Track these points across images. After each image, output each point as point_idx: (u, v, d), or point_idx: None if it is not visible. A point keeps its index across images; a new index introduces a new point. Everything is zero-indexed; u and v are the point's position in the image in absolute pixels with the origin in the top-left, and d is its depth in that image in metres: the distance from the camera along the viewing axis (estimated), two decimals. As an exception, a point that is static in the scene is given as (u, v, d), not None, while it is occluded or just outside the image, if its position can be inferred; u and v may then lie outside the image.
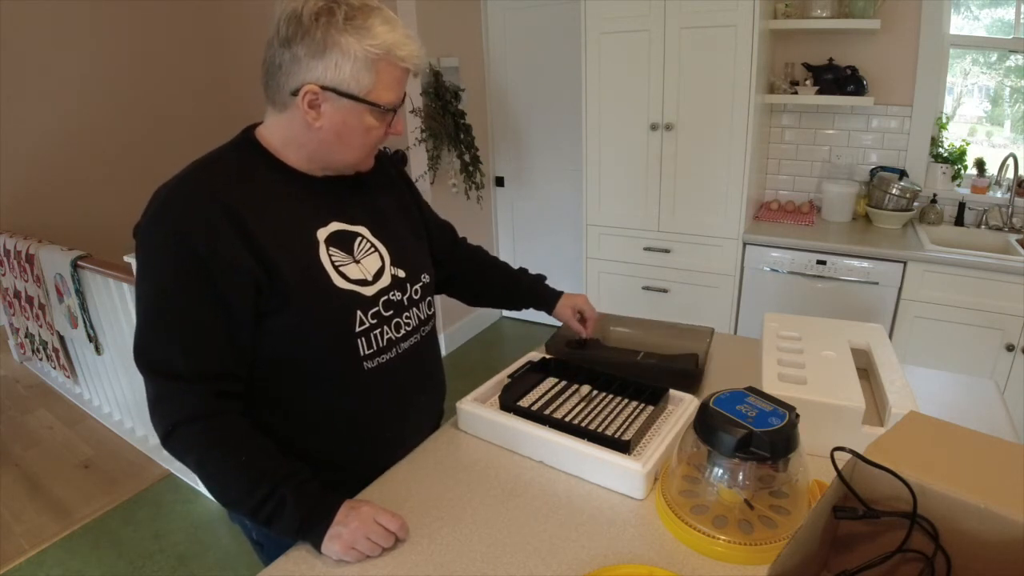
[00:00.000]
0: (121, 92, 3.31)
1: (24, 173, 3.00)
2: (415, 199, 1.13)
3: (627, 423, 1.04)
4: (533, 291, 1.31)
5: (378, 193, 1.02)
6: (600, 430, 0.99)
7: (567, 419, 1.03)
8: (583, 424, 1.02)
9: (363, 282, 0.92)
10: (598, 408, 1.09)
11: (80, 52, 3.11)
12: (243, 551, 1.98)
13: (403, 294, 0.98)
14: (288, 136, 0.89)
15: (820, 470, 0.81)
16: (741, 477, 0.79)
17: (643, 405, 1.09)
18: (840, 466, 0.67)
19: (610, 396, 1.13)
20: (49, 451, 2.62)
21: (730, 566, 0.78)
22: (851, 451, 0.68)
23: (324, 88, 0.82)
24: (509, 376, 1.17)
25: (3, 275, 2.91)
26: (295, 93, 0.82)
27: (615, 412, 1.08)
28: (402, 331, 0.98)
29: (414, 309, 1.01)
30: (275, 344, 0.87)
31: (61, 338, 2.73)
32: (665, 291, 2.67)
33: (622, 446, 0.93)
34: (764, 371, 1.06)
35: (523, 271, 1.33)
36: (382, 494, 0.95)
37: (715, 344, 1.39)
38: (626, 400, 1.12)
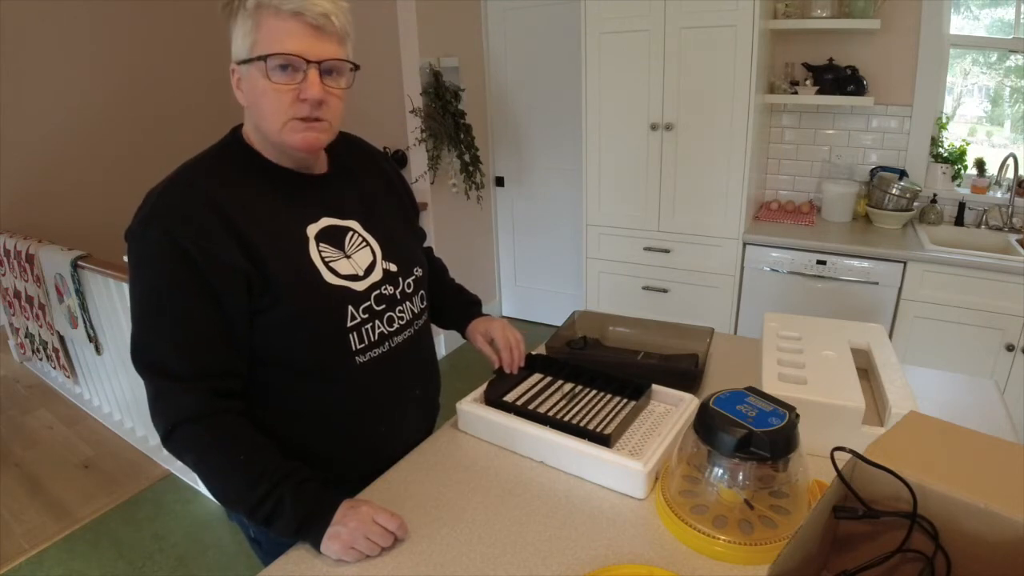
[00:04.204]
0: (121, 92, 3.31)
1: (24, 173, 3.01)
2: (409, 196, 1.13)
3: (609, 418, 1.05)
4: (455, 312, 1.24)
5: (370, 187, 1.03)
6: (582, 425, 1.00)
7: (550, 415, 1.04)
8: (565, 419, 1.03)
9: (354, 277, 0.92)
10: (581, 404, 1.10)
11: (80, 52, 3.11)
12: (243, 551, 1.98)
13: (395, 288, 0.98)
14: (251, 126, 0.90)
15: (820, 470, 0.81)
16: (741, 477, 0.79)
17: (625, 400, 1.11)
18: (840, 466, 0.67)
19: (593, 392, 1.14)
20: (49, 451, 2.62)
21: (730, 566, 0.78)
22: (851, 451, 0.68)
23: (236, 64, 0.84)
24: (494, 372, 1.18)
25: (3, 275, 2.91)
26: None
27: (597, 407, 1.09)
28: (395, 325, 0.98)
29: (407, 303, 1.01)
30: (267, 340, 0.87)
31: (61, 338, 2.73)
32: (665, 291, 2.67)
33: (603, 440, 0.94)
34: (764, 371, 1.06)
35: (461, 291, 1.28)
36: (382, 494, 0.95)
37: (715, 344, 1.39)
38: (608, 396, 1.13)
